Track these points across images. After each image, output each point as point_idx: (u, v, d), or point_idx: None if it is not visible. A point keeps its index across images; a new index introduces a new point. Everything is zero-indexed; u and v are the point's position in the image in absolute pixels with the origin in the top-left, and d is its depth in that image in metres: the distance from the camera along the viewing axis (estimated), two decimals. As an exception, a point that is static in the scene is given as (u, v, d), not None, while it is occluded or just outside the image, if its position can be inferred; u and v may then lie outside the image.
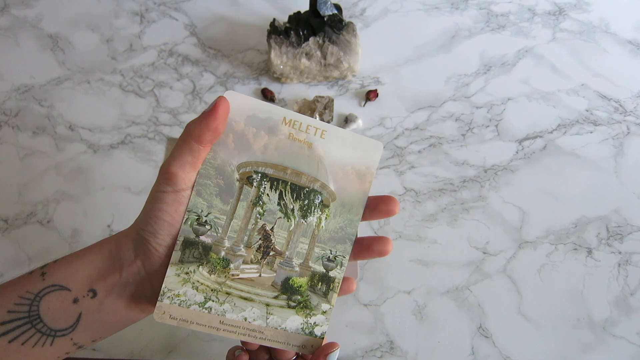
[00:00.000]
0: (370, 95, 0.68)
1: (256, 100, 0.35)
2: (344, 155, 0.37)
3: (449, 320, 0.56)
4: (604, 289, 0.58)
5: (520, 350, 0.55)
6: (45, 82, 0.70)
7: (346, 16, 0.75)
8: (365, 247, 0.38)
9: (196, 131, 0.33)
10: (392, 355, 0.55)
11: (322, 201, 0.37)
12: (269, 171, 0.36)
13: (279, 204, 0.36)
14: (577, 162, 0.65)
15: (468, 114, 0.68)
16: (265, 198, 0.36)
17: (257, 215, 0.36)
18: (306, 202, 0.37)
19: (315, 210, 0.37)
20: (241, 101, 0.35)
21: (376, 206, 0.37)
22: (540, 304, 0.57)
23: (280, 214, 0.37)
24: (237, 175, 0.36)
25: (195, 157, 0.33)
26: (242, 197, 0.36)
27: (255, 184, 0.36)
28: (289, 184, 0.36)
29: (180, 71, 0.71)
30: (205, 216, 0.35)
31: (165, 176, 0.33)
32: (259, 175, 0.36)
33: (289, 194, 0.37)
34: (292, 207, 0.37)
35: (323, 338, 0.38)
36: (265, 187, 0.36)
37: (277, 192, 0.36)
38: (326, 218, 0.37)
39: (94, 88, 0.70)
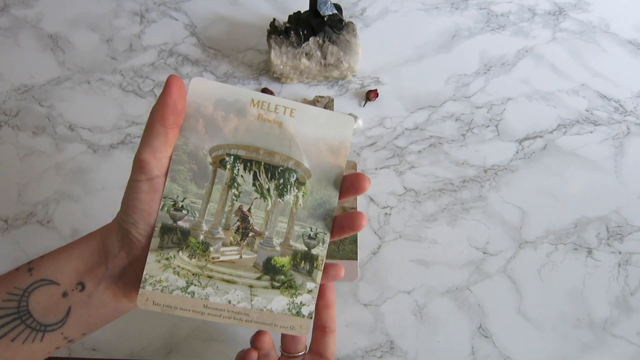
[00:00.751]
0: (370, 95, 0.68)
1: (223, 85, 0.36)
2: (315, 132, 0.37)
3: (449, 320, 0.56)
4: (604, 289, 0.58)
5: (520, 350, 0.55)
6: (45, 82, 0.70)
7: (346, 16, 0.75)
8: (339, 225, 0.37)
9: (157, 113, 0.33)
10: (392, 355, 0.55)
11: (297, 179, 0.37)
12: (241, 153, 0.36)
13: (254, 184, 0.37)
14: (577, 162, 0.65)
15: (468, 114, 0.68)
16: (239, 180, 0.36)
17: (233, 197, 0.36)
18: (281, 180, 0.37)
19: (292, 189, 0.37)
20: (208, 86, 0.35)
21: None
22: (540, 304, 0.57)
23: (256, 195, 0.37)
24: (209, 159, 0.36)
25: (163, 142, 0.33)
26: (216, 180, 0.36)
27: (228, 166, 0.36)
28: (263, 164, 0.36)
29: (180, 71, 0.71)
30: (182, 201, 0.35)
31: (138, 165, 0.33)
32: (232, 157, 0.36)
33: (263, 173, 0.37)
34: (267, 186, 0.37)
35: (312, 318, 0.37)
36: (239, 169, 0.36)
37: (251, 173, 0.37)
38: (303, 195, 0.37)
39: (94, 88, 0.70)
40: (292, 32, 0.68)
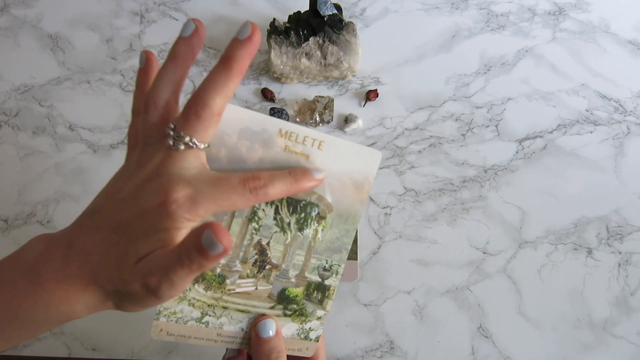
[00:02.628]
0: (370, 95, 0.68)
1: (249, 112, 0.33)
2: (341, 165, 0.35)
3: (449, 320, 0.56)
4: (604, 289, 0.58)
5: (520, 350, 0.55)
6: (45, 82, 0.70)
7: (346, 16, 0.75)
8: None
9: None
10: (392, 355, 0.55)
11: (318, 213, 0.36)
12: None
13: (274, 218, 0.36)
14: (577, 162, 0.65)
15: (468, 114, 0.68)
16: (260, 213, 0.35)
17: (253, 230, 0.35)
18: (302, 215, 0.36)
19: (312, 223, 0.36)
20: (233, 112, 0.33)
21: None
22: (540, 304, 0.57)
23: (276, 228, 0.36)
24: None
25: None
26: (236, 213, 0.35)
27: None
28: (285, 198, 0.35)
29: (180, 71, 0.71)
30: None
31: None
32: None
33: (285, 208, 0.36)
34: (288, 220, 0.36)
35: (317, 341, 0.39)
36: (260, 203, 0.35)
37: (273, 206, 0.35)
38: (322, 230, 0.36)
39: (94, 88, 0.70)
40: (292, 32, 0.68)
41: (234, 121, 0.33)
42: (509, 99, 0.69)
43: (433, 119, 0.68)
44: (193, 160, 0.30)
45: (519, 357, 0.55)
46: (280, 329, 0.37)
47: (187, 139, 0.29)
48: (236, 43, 0.29)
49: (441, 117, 0.68)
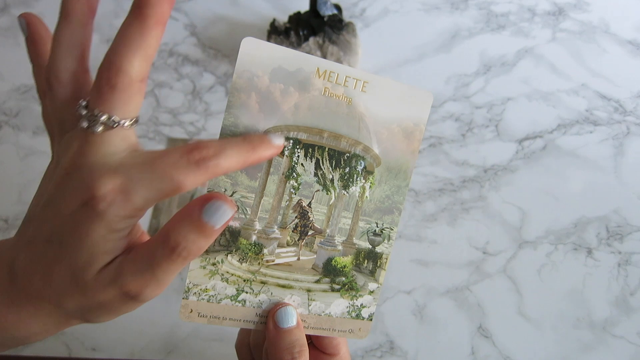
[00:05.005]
0: (370, 95, 0.68)
1: (282, 48, 0.29)
2: (389, 110, 0.31)
3: (449, 320, 0.56)
4: (604, 289, 0.58)
5: (520, 350, 0.55)
6: (45, 82, 0.70)
7: (346, 16, 0.75)
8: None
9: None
10: (392, 355, 0.55)
11: (365, 167, 0.32)
12: (303, 136, 0.31)
13: (315, 174, 0.31)
14: (577, 162, 0.65)
15: (468, 114, 0.68)
16: (299, 169, 0.31)
17: (292, 190, 0.31)
18: (347, 169, 0.32)
19: (358, 179, 0.32)
20: (264, 50, 0.28)
21: None
22: (540, 304, 0.57)
23: (318, 187, 0.32)
24: None
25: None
26: (272, 170, 0.31)
27: (287, 152, 0.31)
28: (327, 149, 0.31)
29: (180, 71, 0.71)
30: (230, 196, 0.30)
31: None
32: (291, 141, 0.31)
33: (327, 161, 0.31)
34: (331, 177, 0.32)
35: (372, 320, 0.34)
36: (299, 156, 0.31)
37: (314, 160, 0.31)
38: (370, 187, 0.32)
39: (94, 88, 0.70)
40: (292, 32, 0.68)
41: (264, 59, 0.29)
42: (508, 99, 0.69)
43: (433, 119, 0.68)
44: (118, 142, 0.24)
45: (519, 357, 0.55)
46: (300, 320, 0.32)
47: (104, 117, 0.23)
48: None
49: (441, 117, 0.68)
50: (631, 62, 0.72)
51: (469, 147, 0.66)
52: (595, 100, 0.69)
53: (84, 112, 0.24)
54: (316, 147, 0.31)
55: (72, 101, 0.25)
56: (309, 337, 0.35)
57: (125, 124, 0.24)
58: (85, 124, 0.23)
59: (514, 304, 0.57)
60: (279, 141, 0.26)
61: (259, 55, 0.28)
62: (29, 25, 0.29)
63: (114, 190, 0.23)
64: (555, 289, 0.58)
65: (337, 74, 0.30)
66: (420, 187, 0.63)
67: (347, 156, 0.31)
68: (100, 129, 0.23)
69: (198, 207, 0.24)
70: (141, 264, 0.24)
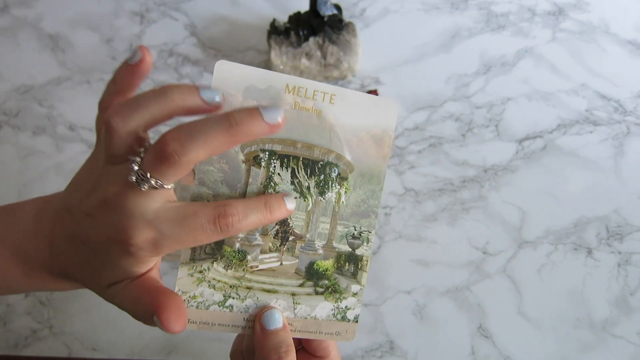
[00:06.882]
0: (370, 95, 0.68)
1: (252, 69, 0.31)
2: (357, 120, 0.33)
3: (449, 320, 0.56)
4: (604, 289, 0.58)
5: (520, 350, 0.55)
6: (45, 82, 0.70)
7: (346, 16, 0.75)
8: None
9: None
10: (392, 355, 0.55)
11: (339, 174, 0.34)
12: (277, 147, 0.33)
13: (292, 182, 0.33)
14: (577, 162, 0.65)
15: (468, 114, 0.68)
16: (276, 178, 0.33)
17: None
18: (322, 177, 0.33)
19: (333, 185, 0.34)
20: (236, 71, 0.31)
21: None
22: (540, 304, 0.57)
23: (295, 194, 0.33)
24: (242, 157, 0.32)
25: None
26: (250, 180, 0.32)
27: (263, 164, 0.32)
28: (301, 159, 0.33)
29: (180, 71, 0.71)
30: None
31: None
32: (267, 153, 0.32)
33: (302, 170, 0.33)
34: (307, 184, 0.33)
35: (357, 322, 0.35)
36: (275, 166, 0.33)
37: (289, 169, 0.33)
38: (346, 192, 0.34)
39: (94, 88, 0.70)
40: (292, 32, 0.68)
41: (237, 79, 0.31)
42: (508, 99, 0.69)
43: (433, 119, 0.68)
44: (157, 197, 0.27)
45: (519, 357, 0.55)
46: (287, 322, 0.34)
47: (152, 182, 0.26)
48: (257, 111, 0.27)
49: (441, 117, 0.68)
50: (631, 62, 0.72)
51: (469, 147, 0.66)
52: (595, 100, 0.69)
53: (135, 167, 0.26)
54: (291, 157, 0.33)
55: (125, 152, 0.27)
56: (298, 341, 0.36)
57: (168, 187, 0.27)
58: (133, 179, 0.26)
59: (514, 304, 0.57)
60: (292, 206, 0.31)
61: (232, 76, 0.31)
62: (142, 61, 0.32)
63: (146, 241, 0.26)
64: (555, 289, 0.58)
65: (306, 89, 0.32)
66: (420, 187, 0.63)
67: (320, 164, 0.33)
68: (146, 187, 0.26)
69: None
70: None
